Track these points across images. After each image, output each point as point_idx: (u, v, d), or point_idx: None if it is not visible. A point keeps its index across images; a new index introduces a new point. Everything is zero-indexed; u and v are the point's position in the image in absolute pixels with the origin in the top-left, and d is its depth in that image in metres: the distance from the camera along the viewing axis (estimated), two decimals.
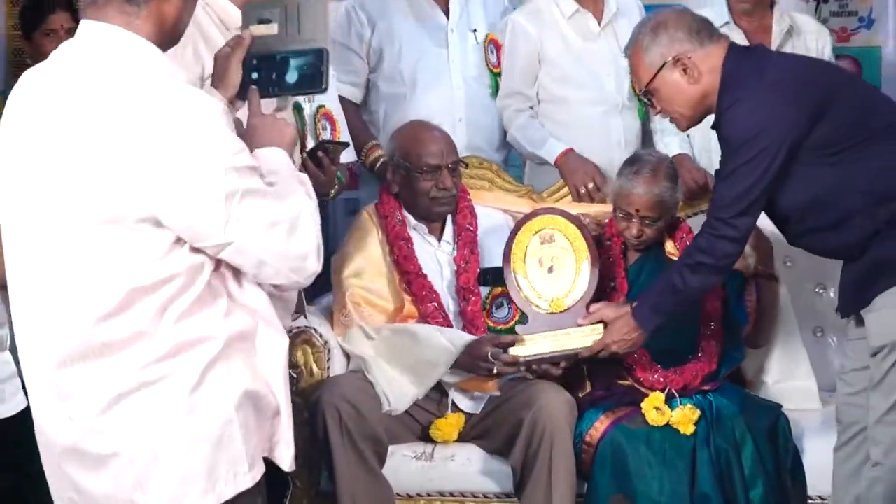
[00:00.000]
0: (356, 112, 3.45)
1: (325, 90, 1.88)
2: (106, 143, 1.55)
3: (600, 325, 2.72)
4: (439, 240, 3.04)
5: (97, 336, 1.59)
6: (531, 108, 3.40)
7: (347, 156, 3.04)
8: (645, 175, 2.84)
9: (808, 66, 2.65)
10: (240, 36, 1.89)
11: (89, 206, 1.57)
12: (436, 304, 2.94)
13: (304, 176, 1.77)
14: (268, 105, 1.87)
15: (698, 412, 2.74)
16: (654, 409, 2.74)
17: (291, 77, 1.85)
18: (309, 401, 2.82)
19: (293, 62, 1.85)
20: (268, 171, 1.72)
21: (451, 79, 3.44)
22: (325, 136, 2.68)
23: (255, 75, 1.85)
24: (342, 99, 3.35)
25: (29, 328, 1.67)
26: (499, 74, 3.42)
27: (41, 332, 1.64)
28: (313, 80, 1.85)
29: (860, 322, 2.51)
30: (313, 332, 2.90)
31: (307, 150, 2.65)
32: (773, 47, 3.29)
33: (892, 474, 2.43)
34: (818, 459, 2.79)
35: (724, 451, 2.71)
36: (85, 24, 1.66)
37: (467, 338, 2.83)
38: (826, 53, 3.40)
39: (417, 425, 2.89)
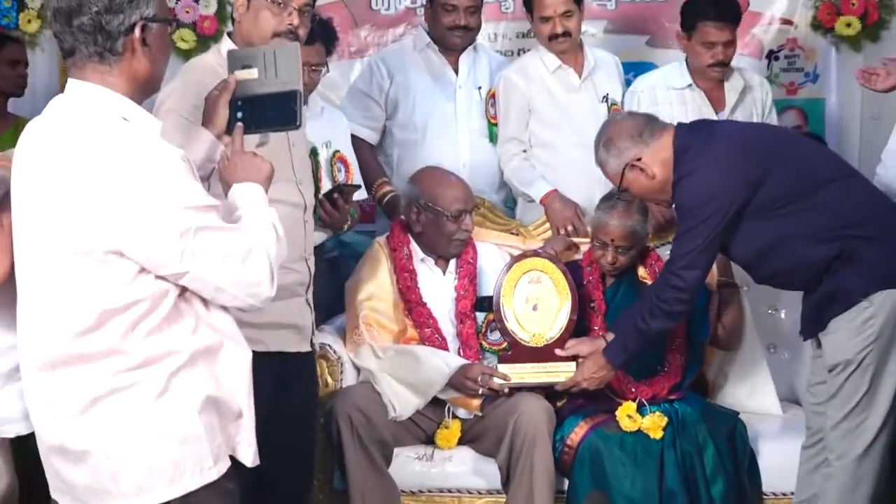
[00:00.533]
0: (372, 152, 3.56)
1: (298, 126, 1.93)
2: (78, 186, 1.61)
3: (573, 363, 2.81)
4: (444, 271, 3.09)
5: (76, 348, 1.64)
6: (524, 151, 3.46)
7: (359, 194, 3.11)
8: (619, 209, 2.92)
9: (750, 135, 2.70)
10: (226, 80, 1.95)
11: (66, 239, 1.63)
12: (432, 329, 3.00)
13: (272, 209, 1.80)
14: (250, 141, 1.94)
15: (665, 419, 2.81)
16: (626, 416, 2.81)
17: (270, 115, 1.91)
18: (324, 409, 2.87)
19: (271, 103, 1.91)
20: (240, 204, 1.78)
21: (457, 129, 3.52)
22: (341, 177, 2.73)
23: (239, 114, 1.91)
24: (361, 140, 3.47)
25: (24, 340, 1.73)
26: (496, 125, 3.50)
27: (32, 344, 1.71)
28: (288, 118, 1.91)
29: (819, 344, 2.60)
30: (328, 348, 2.96)
31: (323, 192, 2.70)
32: (730, 104, 3.39)
33: (843, 472, 2.52)
34: (772, 461, 2.87)
35: (688, 453, 2.78)
36: (70, 83, 1.71)
37: (461, 361, 2.91)
38: (768, 103, 3.49)
39: (419, 430, 2.95)
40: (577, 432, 2.81)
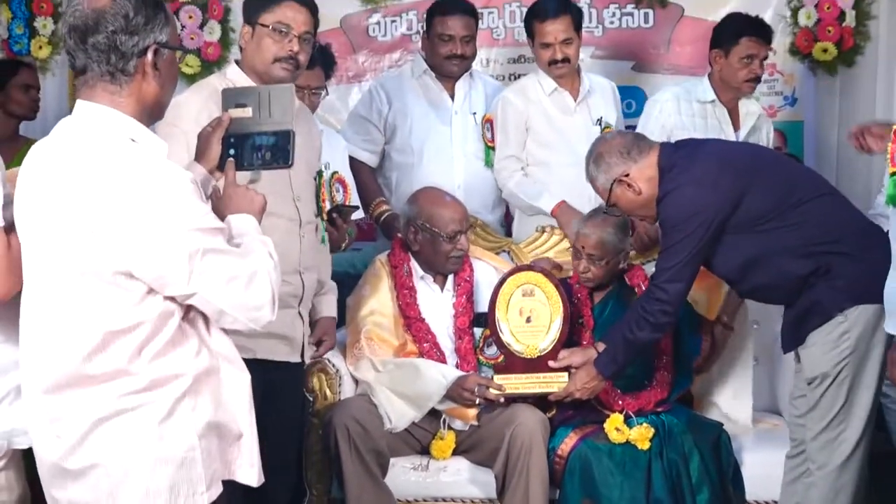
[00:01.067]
0: (371, 174, 3.59)
1: (290, 165, 1.91)
2: (88, 207, 1.59)
3: (566, 374, 2.82)
4: (442, 288, 3.12)
5: (84, 370, 1.62)
6: (522, 168, 3.50)
7: (357, 214, 3.13)
8: (595, 220, 2.98)
9: (732, 153, 2.71)
10: (220, 117, 1.93)
11: (75, 260, 1.61)
12: (431, 344, 3.03)
13: (267, 238, 1.79)
14: (242, 177, 1.93)
15: (653, 430, 2.82)
16: (615, 429, 2.82)
17: (263, 153, 1.89)
18: (323, 420, 2.90)
19: (264, 141, 1.89)
20: (237, 233, 1.77)
21: (452, 153, 3.55)
22: (339, 198, 2.75)
23: (232, 151, 1.89)
24: (361, 162, 3.52)
25: (29, 359, 1.70)
26: (492, 148, 3.52)
27: (37, 363, 1.68)
28: (280, 157, 1.89)
29: (799, 358, 2.61)
30: (327, 361, 2.96)
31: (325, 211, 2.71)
32: (747, 126, 3.46)
33: (824, 482, 2.53)
34: (755, 470, 2.88)
35: (674, 462, 2.79)
36: (78, 104, 1.70)
37: (458, 373, 2.93)
38: (770, 137, 3.57)
39: (415, 441, 2.97)
40: (567, 443, 2.82)
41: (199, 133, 1.95)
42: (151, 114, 1.74)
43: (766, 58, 3.42)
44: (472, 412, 2.91)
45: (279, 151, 1.88)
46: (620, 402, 2.90)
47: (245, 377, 1.76)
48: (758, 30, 3.38)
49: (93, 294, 1.61)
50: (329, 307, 2.82)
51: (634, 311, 2.66)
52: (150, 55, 1.69)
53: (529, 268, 3.04)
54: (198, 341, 1.68)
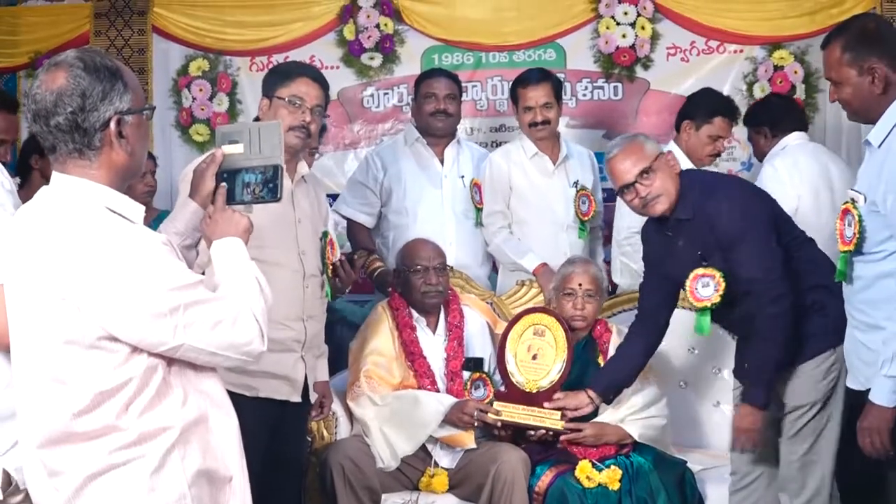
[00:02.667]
0: (368, 234, 3.74)
1: (279, 199, 1.90)
2: (67, 278, 1.57)
3: (559, 413, 2.92)
4: (434, 331, 3.23)
5: (72, 427, 1.60)
6: (509, 225, 3.63)
7: None
8: (579, 261, 3.22)
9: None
10: (213, 153, 1.92)
11: (58, 329, 1.59)
12: (430, 381, 3.12)
13: (253, 263, 1.78)
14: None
15: (620, 471, 2.89)
16: (585, 477, 2.88)
17: (252, 188, 1.89)
18: (320, 459, 2.99)
19: (255, 176, 1.89)
20: (221, 263, 1.76)
21: (443, 213, 3.68)
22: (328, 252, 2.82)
23: (224, 186, 1.90)
24: (359, 224, 3.67)
25: (23, 420, 1.68)
26: (480, 210, 3.65)
27: (30, 424, 1.65)
28: (269, 191, 1.89)
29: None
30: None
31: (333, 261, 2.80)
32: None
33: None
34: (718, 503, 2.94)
35: (642, 500, 2.85)
36: (54, 176, 1.67)
37: (455, 400, 3.03)
38: None
39: (405, 478, 3.05)
40: (544, 480, 2.90)
41: (194, 169, 1.96)
42: (126, 176, 1.69)
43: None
44: (470, 436, 2.98)
45: (268, 185, 1.88)
46: (583, 450, 2.96)
47: (233, 423, 1.72)
48: (732, 112, 3.57)
49: (79, 359, 1.59)
50: (323, 372, 2.90)
51: (761, 336, 2.54)
52: (113, 126, 1.64)
53: (545, 311, 3.15)
54: (183, 391, 1.65)
